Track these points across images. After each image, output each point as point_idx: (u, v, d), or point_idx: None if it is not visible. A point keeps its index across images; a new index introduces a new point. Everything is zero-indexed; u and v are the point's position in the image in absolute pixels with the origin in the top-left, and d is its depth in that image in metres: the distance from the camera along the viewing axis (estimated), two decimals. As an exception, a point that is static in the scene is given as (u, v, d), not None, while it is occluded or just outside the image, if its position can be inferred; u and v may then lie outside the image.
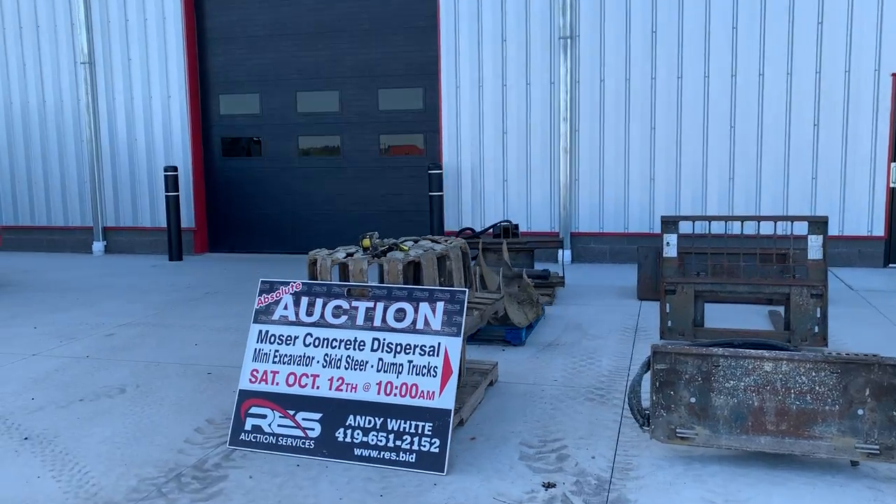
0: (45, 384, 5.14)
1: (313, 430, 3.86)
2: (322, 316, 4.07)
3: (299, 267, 10.03)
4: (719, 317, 6.69)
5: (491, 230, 7.91)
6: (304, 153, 11.00)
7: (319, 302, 4.10)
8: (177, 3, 10.83)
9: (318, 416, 3.88)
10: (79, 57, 11.27)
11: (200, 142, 11.25)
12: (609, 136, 9.54)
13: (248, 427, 3.97)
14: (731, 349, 3.69)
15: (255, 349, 4.11)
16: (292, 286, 4.17)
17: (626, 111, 9.45)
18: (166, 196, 10.61)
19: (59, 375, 5.34)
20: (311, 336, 4.05)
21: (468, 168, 10.03)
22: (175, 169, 10.57)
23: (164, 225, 11.26)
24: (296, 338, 4.07)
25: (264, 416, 3.97)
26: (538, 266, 9.13)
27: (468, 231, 7.94)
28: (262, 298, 4.20)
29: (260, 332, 4.14)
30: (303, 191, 11.05)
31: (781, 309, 6.76)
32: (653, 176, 9.47)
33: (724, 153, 9.25)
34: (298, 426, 3.89)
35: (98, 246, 11.51)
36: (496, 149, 9.91)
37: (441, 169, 9.71)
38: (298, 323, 4.09)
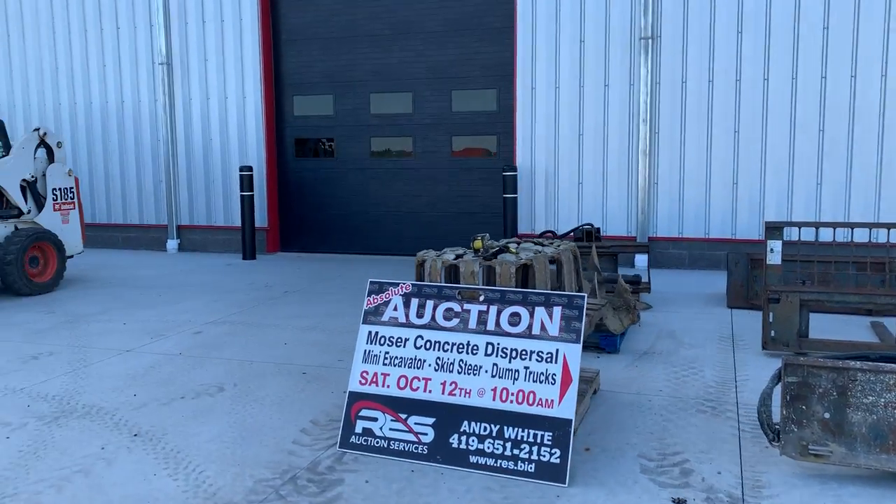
0: (143, 381, 5.19)
1: (426, 434, 3.79)
2: (433, 318, 3.99)
3: (372, 266, 10.03)
4: (817, 327, 6.42)
5: (572, 233, 7.76)
6: (375, 154, 11.01)
7: (430, 304, 4.03)
8: (253, 5, 10.94)
9: (430, 420, 3.81)
10: (157, 58, 11.49)
11: (274, 142, 11.35)
12: (690, 138, 9.29)
13: (358, 430, 3.92)
14: (870, 363, 3.50)
15: (365, 350, 4.06)
16: (401, 287, 4.11)
17: (708, 113, 9.20)
18: (241, 196, 10.72)
19: (156, 372, 5.39)
20: (423, 338, 3.98)
21: (542, 170, 9.89)
22: (250, 169, 10.68)
23: (237, 224, 11.39)
24: (406, 340, 4.00)
25: (375, 419, 3.91)
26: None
27: (549, 234, 7.80)
28: (372, 299, 4.15)
29: (369, 333, 4.09)
30: (373, 192, 11.05)
31: (885, 320, 6.46)
32: (735, 180, 9.19)
33: (812, 157, 8.92)
34: (411, 430, 3.82)
35: (172, 244, 11.70)
36: (572, 151, 9.75)
37: (516, 171, 9.59)
38: (409, 325, 4.03)
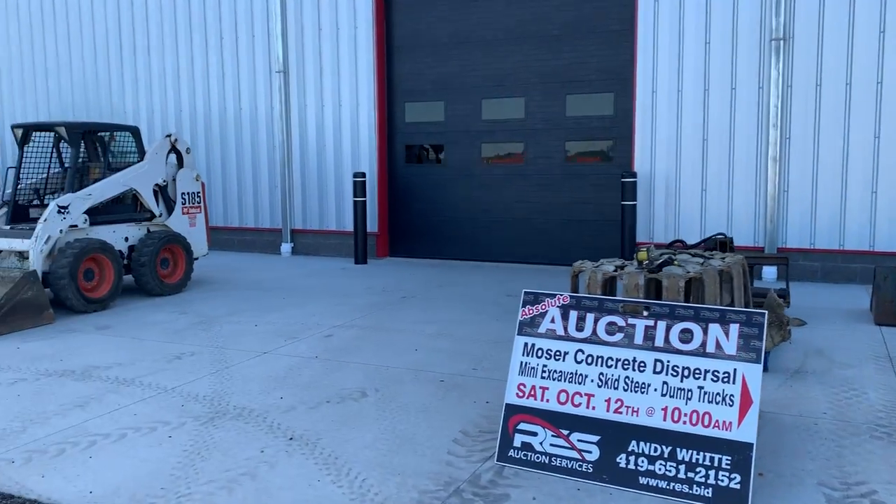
0: (286, 383, 5.27)
1: (590, 452, 3.66)
2: (594, 332, 3.87)
3: (484, 274, 9.96)
4: (985, 349, 5.92)
5: (703, 244, 7.45)
6: (486, 160, 10.95)
7: (590, 317, 3.90)
8: (368, 13, 11.09)
9: (595, 438, 3.68)
10: (274, 66, 11.81)
11: (385, 149, 11.46)
12: (824, 144, 8.80)
13: (516, 444, 3.83)
14: None
15: (521, 362, 3.97)
16: (559, 298, 4.00)
17: (845, 118, 8.69)
18: (354, 201, 10.87)
19: (296, 375, 5.47)
20: (583, 353, 3.85)
21: (662, 176, 9.59)
22: (363, 175, 10.82)
23: (349, 229, 11.56)
24: (566, 353, 3.89)
25: (535, 434, 3.81)
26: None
27: (679, 243, 7.51)
28: (527, 310, 4.06)
29: (525, 344, 4.00)
30: (483, 198, 10.99)
31: None
32: (875, 189, 8.64)
33: (963, 164, 8.29)
34: (573, 447, 3.70)
35: (286, 247, 11.99)
36: (695, 156, 9.41)
37: (635, 177, 9.33)
38: (568, 338, 3.91)
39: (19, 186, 8.40)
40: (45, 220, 7.53)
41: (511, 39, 10.58)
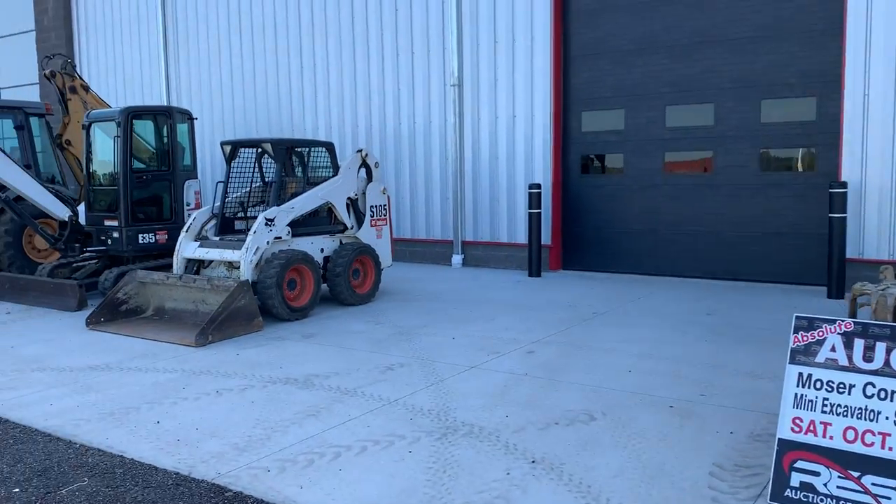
0: (504, 401, 5.17)
1: (890, 499, 3.27)
2: (887, 363, 3.46)
3: (672, 289, 9.52)
4: None
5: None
6: (669, 170, 10.50)
7: (881, 346, 3.50)
8: (546, 24, 10.97)
9: (894, 483, 3.28)
10: (449, 80, 11.93)
11: (559, 159, 11.27)
12: None
13: (794, 483, 3.49)
14: None
15: (796, 394, 3.63)
16: (839, 325, 3.62)
17: None
18: (529, 213, 10.75)
19: (513, 392, 5.36)
20: (874, 386, 3.46)
21: (875, 187, 8.77)
22: (539, 186, 10.67)
23: (520, 241, 11.46)
24: (852, 386, 3.51)
25: (816, 474, 3.46)
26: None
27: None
28: (800, 336, 3.71)
29: (800, 374, 3.65)
30: (666, 210, 10.53)
31: None
32: None
33: None
34: (867, 492, 3.32)
35: (457, 259, 12.06)
36: (914, 165, 8.54)
37: (845, 187, 8.58)
38: (853, 369, 3.53)
39: (226, 200, 8.91)
40: (255, 232, 7.92)
41: (699, 44, 10.09)
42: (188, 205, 10.30)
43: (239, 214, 9.05)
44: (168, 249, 10.15)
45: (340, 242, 9.07)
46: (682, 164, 10.40)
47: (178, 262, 8.45)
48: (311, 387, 5.62)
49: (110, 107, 13.48)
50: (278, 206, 8.25)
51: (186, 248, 8.44)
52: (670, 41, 10.31)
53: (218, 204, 8.79)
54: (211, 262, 8.43)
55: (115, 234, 9.75)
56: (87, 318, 7.95)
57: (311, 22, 13.48)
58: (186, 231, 8.52)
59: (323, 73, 13.43)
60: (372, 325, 7.81)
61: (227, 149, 8.73)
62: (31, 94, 18.47)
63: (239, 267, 8.11)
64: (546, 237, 11.26)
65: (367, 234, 9.34)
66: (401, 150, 12.63)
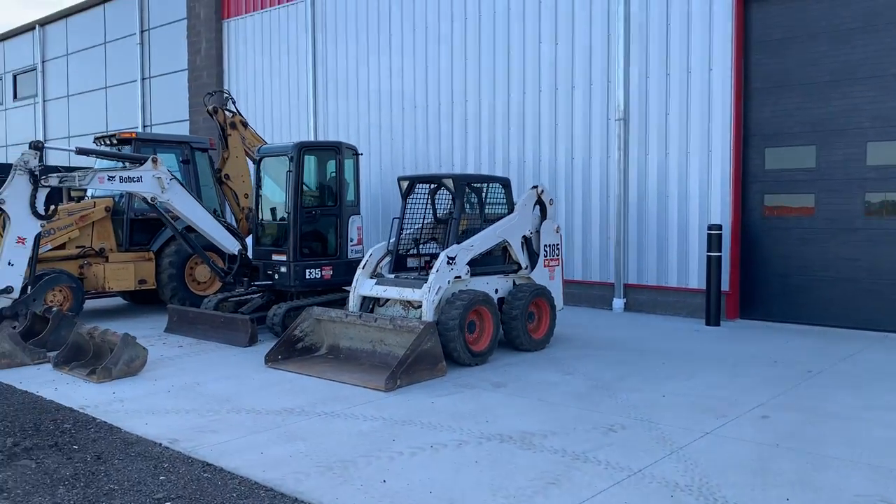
0: (770, 478, 4.44)
1: None
2: None
3: (876, 345, 8.48)
4: None
5: None
6: (872, 212, 9.48)
7: None
8: (726, 53, 10.27)
9: None
10: (613, 114, 11.38)
11: (739, 199, 10.44)
12: None
13: None
14: None
15: None
16: None
17: None
18: (708, 256, 9.95)
19: (774, 468, 4.63)
20: None
21: None
22: (719, 227, 9.88)
23: (691, 286, 10.65)
24: None
25: None
26: None
27: None
28: None
29: None
30: (868, 256, 9.49)
31: None
32: None
33: None
34: None
35: (618, 303, 11.35)
36: None
37: None
38: None
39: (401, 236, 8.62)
40: (437, 271, 7.55)
41: (908, 74, 9.13)
42: (351, 241, 10.13)
43: (411, 251, 8.74)
44: (332, 286, 9.99)
45: (514, 283, 8.60)
46: (888, 206, 9.36)
47: (354, 300, 8.19)
48: (532, 447, 5.09)
49: (266, 142, 13.73)
50: (459, 243, 7.86)
51: (363, 285, 8.17)
52: (877, 70, 9.37)
53: (393, 240, 8.51)
54: (387, 300, 8.12)
55: (283, 269, 9.66)
56: (266, 356, 7.77)
57: (464, 55, 13.28)
58: (363, 268, 8.26)
59: (474, 107, 13.16)
60: (561, 375, 7.23)
61: (404, 184, 8.47)
62: (182, 131, 19.23)
63: (417, 307, 7.76)
64: (724, 282, 10.39)
65: (540, 275, 8.82)
66: (556, 186, 12.13)
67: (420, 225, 8.86)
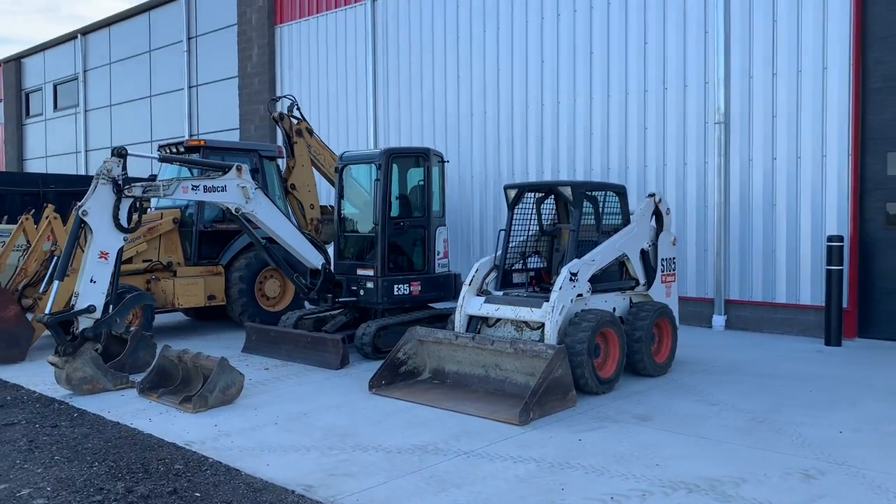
0: None
1: None
2: None
3: None
4: None
5: None
6: None
7: None
8: (843, 51, 9.49)
9: None
10: (711, 117, 10.62)
11: (857, 208, 9.62)
12: None
13: None
14: None
15: None
16: None
17: None
18: (828, 270, 9.15)
19: None
20: None
21: None
22: (840, 239, 9.09)
23: (803, 301, 9.84)
24: None
25: None
26: None
27: None
28: None
29: None
30: None
31: None
32: None
33: None
34: None
35: (718, 320, 10.55)
36: None
37: None
38: None
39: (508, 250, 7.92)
40: (561, 289, 6.83)
41: None
42: (438, 254, 9.45)
43: (517, 266, 8.03)
44: (420, 302, 9.32)
45: (630, 301, 7.86)
46: None
47: (460, 320, 7.49)
48: (729, 499, 4.34)
49: (332, 151, 13.12)
50: (578, 258, 7.14)
51: (471, 303, 7.47)
52: None
53: (500, 254, 7.81)
54: (497, 320, 7.41)
55: (369, 285, 8.99)
56: (370, 381, 7.09)
57: (540, 56, 12.60)
58: (469, 284, 7.56)
59: (551, 111, 12.45)
60: (704, 405, 6.46)
61: (512, 193, 7.77)
62: (232, 139, 18.71)
63: (536, 327, 7.04)
64: (842, 299, 9.56)
65: (658, 292, 8.07)
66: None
67: (524, 237, 8.16)
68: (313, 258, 9.05)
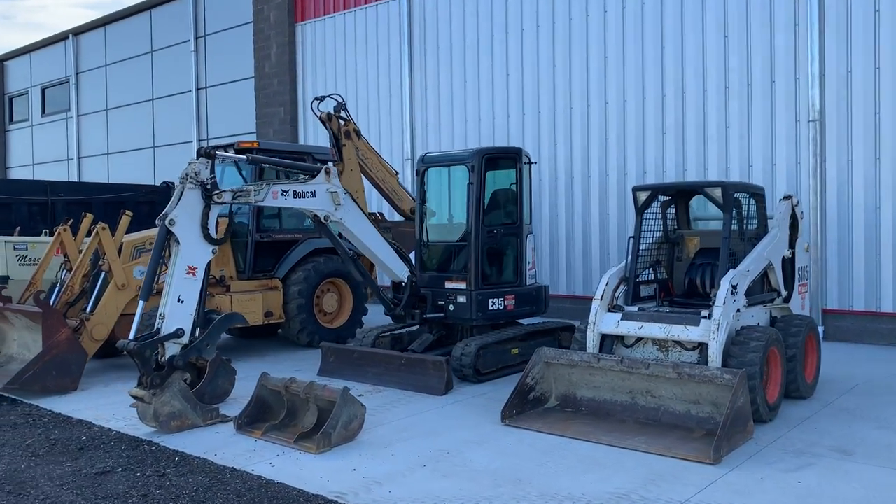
0: None
1: None
2: None
3: None
4: None
5: None
6: None
7: None
8: (958, 42, 8.90)
9: None
10: (804, 114, 9.96)
11: (973, 209, 9.03)
12: None
13: None
14: None
15: None
16: None
17: None
18: (952, 276, 8.52)
19: None
20: None
21: None
22: (965, 243, 8.46)
23: (913, 310, 9.21)
24: None
25: None
26: None
27: None
28: None
29: None
30: None
31: None
32: None
33: None
34: None
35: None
36: None
37: None
38: None
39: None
40: (724, 304, 6.04)
41: None
42: (528, 264, 8.63)
43: (644, 277, 7.23)
44: (513, 318, 8.48)
45: (770, 315, 7.11)
46: None
47: (593, 339, 6.66)
48: None
49: (380, 155, 12.20)
50: (735, 268, 6.37)
51: (605, 320, 6.65)
52: None
53: (629, 264, 6.99)
54: (637, 339, 6.60)
55: (461, 299, 8.12)
56: (503, 412, 6.23)
57: (602, 50, 11.85)
58: (600, 299, 6.74)
59: (616, 109, 11.70)
60: (892, 433, 5.73)
61: (642, 196, 6.97)
62: (248, 143, 17.67)
63: (692, 348, 6.25)
64: (955, 307, 8.95)
65: (795, 304, 7.35)
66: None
67: (647, 245, 7.36)
68: (400, 271, 8.16)
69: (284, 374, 8.18)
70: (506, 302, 8.29)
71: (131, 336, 6.01)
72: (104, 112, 23.63)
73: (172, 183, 17.80)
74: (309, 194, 7.13)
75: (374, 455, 5.45)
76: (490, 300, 8.15)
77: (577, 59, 12.14)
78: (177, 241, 6.18)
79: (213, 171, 6.36)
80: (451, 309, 8.21)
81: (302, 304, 9.78)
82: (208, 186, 6.28)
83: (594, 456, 5.32)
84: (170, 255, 6.27)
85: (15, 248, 11.90)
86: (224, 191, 6.44)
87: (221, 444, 5.77)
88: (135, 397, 6.04)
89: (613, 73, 11.74)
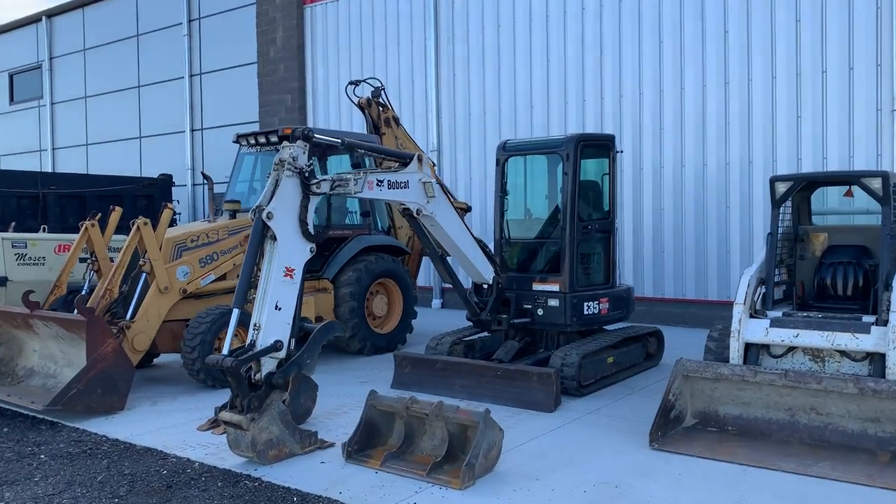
0: None
1: None
2: None
3: None
4: None
5: None
6: None
7: None
8: None
9: None
10: (886, 104, 9.40)
11: None
12: None
13: None
14: None
15: None
16: None
17: None
18: None
19: None
20: None
21: None
22: None
23: None
24: None
25: None
26: None
27: None
28: None
29: None
30: None
31: None
32: None
33: None
34: None
35: (901, 332, 9.34)
36: None
37: None
38: None
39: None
40: (902, 309, 5.37)
41: None
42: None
43: (780, 278, 6.51)
44: (605, 323, 7.72)
45: None
46: None
47: (737, 349, 5.92)
48: None
49: (417, 144, 11.30)
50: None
51: (751, 328, 5.92)
52: None
53: (767, 263, 6.27)
54: (790, 349, 5.88)
55: (552, 303, 7.32)
56: (651, 434, 5.45)
57: (657, 33, 11.14)
58: (743, 303, 6.01)
59: (673, 98, 11.01)
60: None
61: (782, 187, 6.24)
62: (250, 133, 16.56)
63: (860, 359, 5.56)
64: None
65: None
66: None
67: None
68: (486, 271, 7.31)
69: (348, 386, 7.34)
70: (600, 305, 7.52)
71: (225, 351, 5.06)
72: (82, 100, 22.13)
73: (171, 176, 16.63)
74: (402, 185, 6.24)
75: (526, 490, 4.62)
76: (585, 304, 7.37)
77: (629, 42, 11.38)
78: (273, 237, 5.24)
79: (310, 157, 5.43)
80: (541, 313, 7.40)
81: (354, 307, 8.87)
82: (306, 175, 5.36)
83: (789, 487, 4.58)
84: (262, 254, 5.33)
85: (14, 246, 10.67)
86: (322, 179, 5.51)
87: (337, 478, 4.87)
88: (228, 423, 5.09)
89: (670, 62, 11.04)
